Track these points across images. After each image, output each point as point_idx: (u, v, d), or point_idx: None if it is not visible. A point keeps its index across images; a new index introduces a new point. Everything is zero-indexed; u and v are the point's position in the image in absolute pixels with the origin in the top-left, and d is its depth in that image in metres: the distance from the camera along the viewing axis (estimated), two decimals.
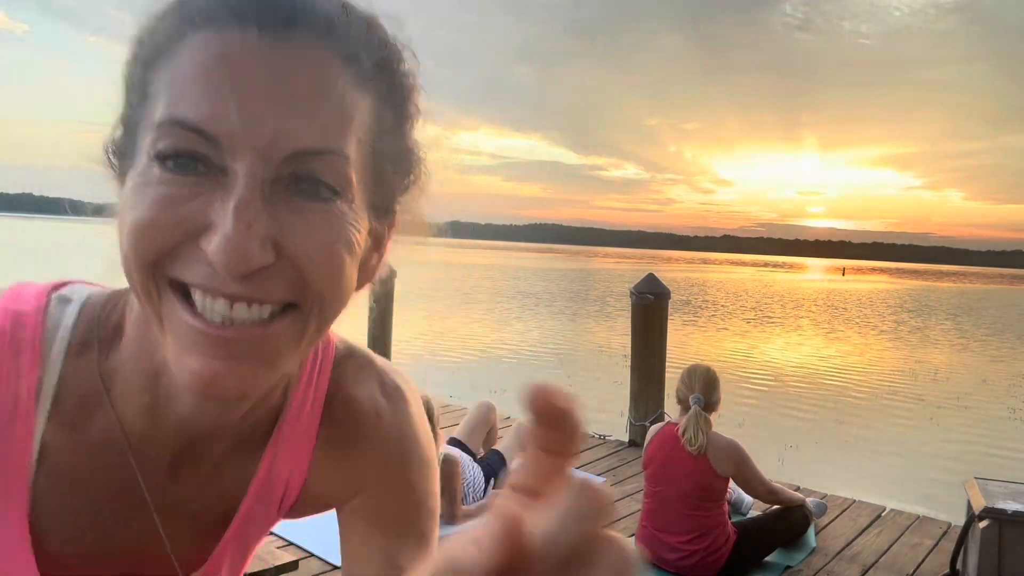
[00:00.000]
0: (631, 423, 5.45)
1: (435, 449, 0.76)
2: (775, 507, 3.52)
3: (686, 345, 13.67)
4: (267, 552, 2.65)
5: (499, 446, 4.22)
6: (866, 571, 3.42)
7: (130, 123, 0.54)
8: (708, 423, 3.20)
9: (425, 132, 0.61)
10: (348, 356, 0.72)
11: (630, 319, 5.50)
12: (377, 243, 0.60)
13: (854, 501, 4.37)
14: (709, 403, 3.24)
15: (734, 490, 3.70)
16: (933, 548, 3.71)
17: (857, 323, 22.83)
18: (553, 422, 0.31)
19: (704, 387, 3.24)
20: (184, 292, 0.51)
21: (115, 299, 0.63)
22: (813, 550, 3.59)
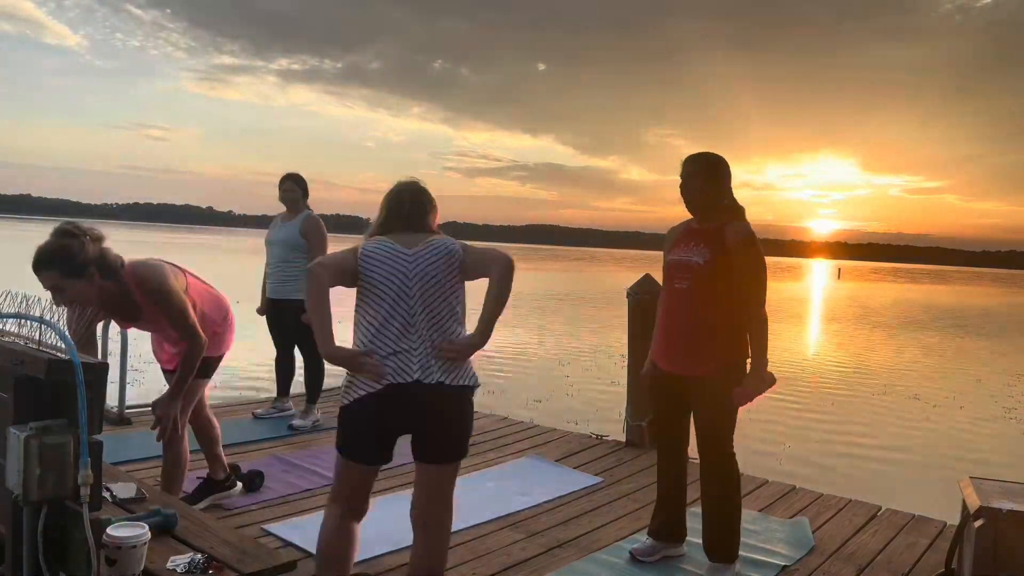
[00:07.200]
0: (628, 423, 5.46)
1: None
2: None
3: None
4: (265, 552, 2.66)
5: None
6: (862, 570, 3.43)
7: None
8: None
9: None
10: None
11: (627, 320, 5.50)
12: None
13: (850, 500, 4.39)
14: None
15: None
16: (929, 547, 3.72)
17: (853, 324, 22.86)
18: None
19: None
20: None
21: None
22: (811, 549, 3.60)
